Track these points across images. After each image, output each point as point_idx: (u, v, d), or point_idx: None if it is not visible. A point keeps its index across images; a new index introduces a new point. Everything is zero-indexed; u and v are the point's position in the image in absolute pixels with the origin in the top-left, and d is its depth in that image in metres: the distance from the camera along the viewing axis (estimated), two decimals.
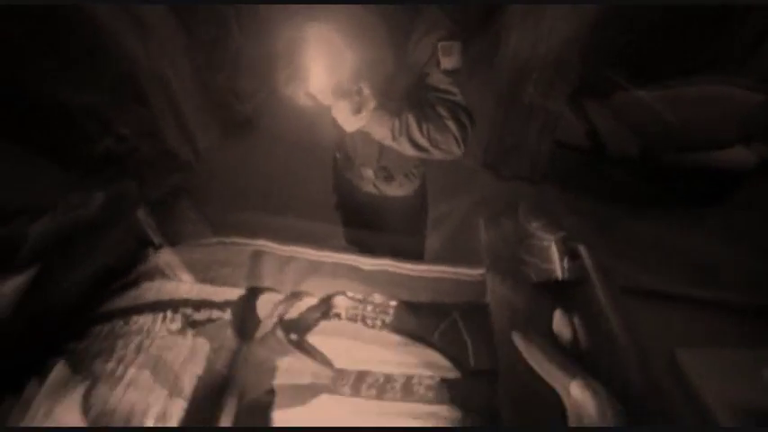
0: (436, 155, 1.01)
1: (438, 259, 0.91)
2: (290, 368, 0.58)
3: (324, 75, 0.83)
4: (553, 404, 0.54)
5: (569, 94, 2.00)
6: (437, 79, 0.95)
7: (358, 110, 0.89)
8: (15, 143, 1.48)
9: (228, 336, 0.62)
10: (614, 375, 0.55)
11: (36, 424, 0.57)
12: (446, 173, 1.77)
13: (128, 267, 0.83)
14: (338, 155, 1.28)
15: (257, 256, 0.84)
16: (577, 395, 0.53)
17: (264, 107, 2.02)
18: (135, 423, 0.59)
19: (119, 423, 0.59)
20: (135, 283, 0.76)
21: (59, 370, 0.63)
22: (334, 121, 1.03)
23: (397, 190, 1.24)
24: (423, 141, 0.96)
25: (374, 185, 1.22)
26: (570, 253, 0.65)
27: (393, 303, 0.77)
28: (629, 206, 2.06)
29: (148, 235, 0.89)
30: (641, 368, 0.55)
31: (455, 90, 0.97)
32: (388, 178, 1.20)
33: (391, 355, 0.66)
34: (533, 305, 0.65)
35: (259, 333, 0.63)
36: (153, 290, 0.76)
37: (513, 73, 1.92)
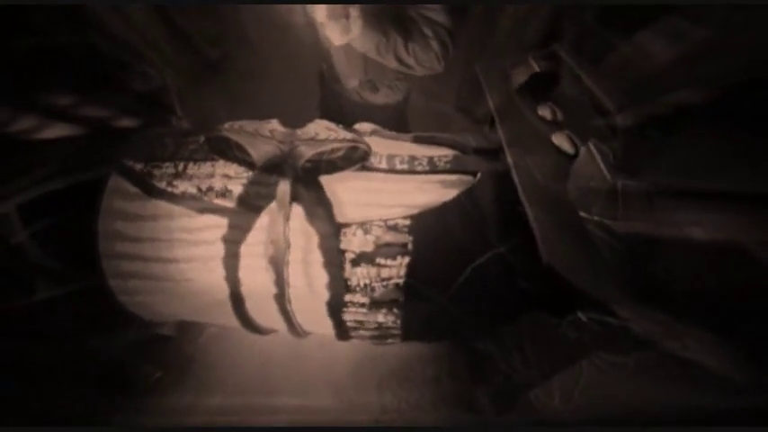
0: (419, 71, 1.14)
1: None
2: (336, 138, 0.69)
3: None
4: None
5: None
6: None
7: (346, 27, 1.00)
8: None
9: (278, 125, 0.72)
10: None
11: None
12: (421, 118, 1.89)
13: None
14: (325, 67, 1.38)
15: None
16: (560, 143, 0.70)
17: (233, 51, 2.03)
18: (199, 200, 0.69)
19: (185, 203, 0.69)
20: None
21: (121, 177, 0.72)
22: (322, 36, 1.13)
23: (381, 99, 1.35)
24: (408, 60, 1.09)
25: (358, 95, 1.33)
26: (547, 54, 0.82)
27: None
28: None
29: (173, 104, 0.97)
30: None
31: (439, 8, 1.08)
32: (373, 89, 1.32)
33: (411, 148, 0.79)
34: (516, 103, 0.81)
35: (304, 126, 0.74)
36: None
37: (485, 14, 2.08)
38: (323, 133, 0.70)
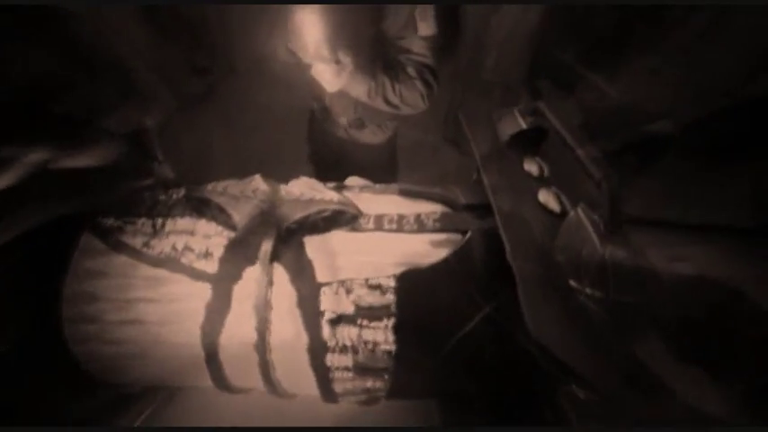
0: (405, 110, 1.17)
1: None
2: (322, 199, 0.67)
3: (306, 34, 0.96)
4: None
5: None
6: (412, 43, 1.07)
7: (337, 74, 1.02)
8: None
9: (261, 183, 0.70)
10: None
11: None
12: (409, 149, 1.91)
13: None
14: (315, 105, 1.39)
15: None
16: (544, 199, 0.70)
17: (224, 81, 2.01)
18: (176, 261, 0.65)
19: (160, 263, 0.64)
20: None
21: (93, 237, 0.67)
22: (312, 78, 1.14)
23: (369, 137, 1.37)
24: (395, 100, 1.11)
25: (346, 131, 1.34)
26: (532, 110, 0.83)
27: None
28: None
29: (153, 148, 0.94)
30: None
31: (428, 53, 1.11)
32: (361, 126, 1.33)
33: (400, 204, 0.78)
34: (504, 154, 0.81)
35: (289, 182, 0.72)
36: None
37: (471, 50, 2.14)
38: (308, 193, 0.68)
